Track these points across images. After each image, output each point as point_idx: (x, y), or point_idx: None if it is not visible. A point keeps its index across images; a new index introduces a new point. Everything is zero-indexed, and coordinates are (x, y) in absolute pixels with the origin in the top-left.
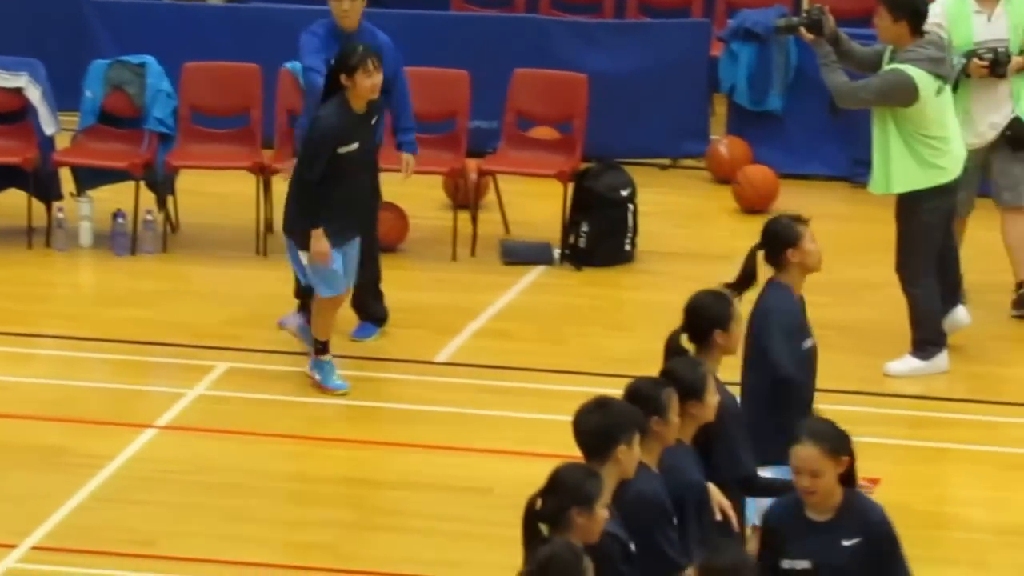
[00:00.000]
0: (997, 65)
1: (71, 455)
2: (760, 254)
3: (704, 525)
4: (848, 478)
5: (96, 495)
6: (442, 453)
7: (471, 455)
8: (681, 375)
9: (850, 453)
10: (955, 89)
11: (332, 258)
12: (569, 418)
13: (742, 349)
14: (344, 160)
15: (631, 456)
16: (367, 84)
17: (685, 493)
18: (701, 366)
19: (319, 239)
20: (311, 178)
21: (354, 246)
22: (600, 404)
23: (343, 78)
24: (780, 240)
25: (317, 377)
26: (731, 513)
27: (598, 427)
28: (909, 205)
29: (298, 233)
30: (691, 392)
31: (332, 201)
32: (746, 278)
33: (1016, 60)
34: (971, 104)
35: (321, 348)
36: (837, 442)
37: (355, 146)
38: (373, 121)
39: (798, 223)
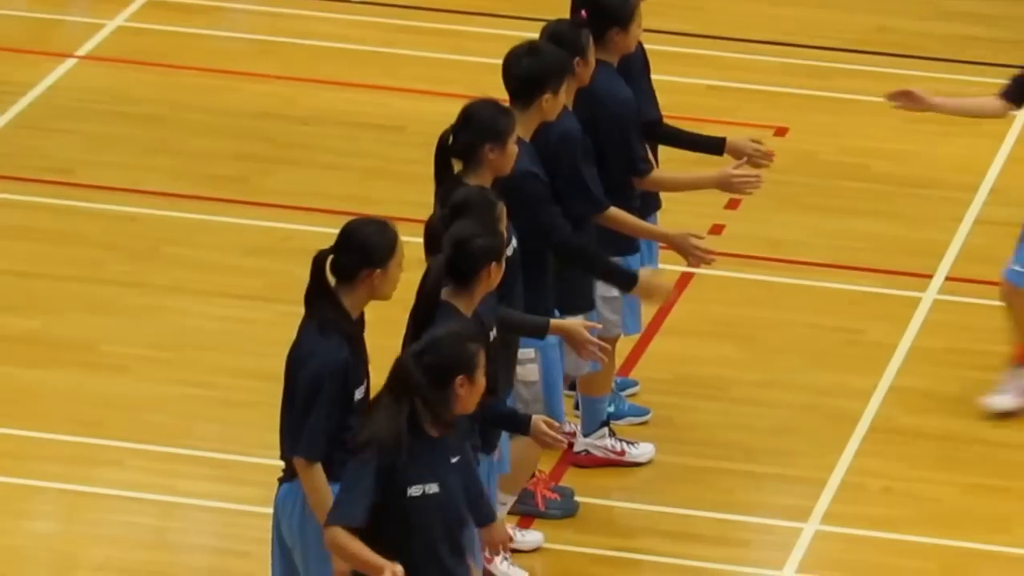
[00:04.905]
0: None
1: None
2: None
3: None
4: None
5: (15, 123)
6: (355, 90)
7: (384, 93)
8: (565, 37)
9: None
10: None
11: None
12: (482, 60)
13: None
14: None
15: (556, 103)
16: None
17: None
18: (583, 31)
19: None
20: None
21: None
22: (532, 49)
23: None
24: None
25: None
26: None
27: (529, 72)
28: None
29: None
30: (578, 52)
31: None
32: None
33: None
34: None
35: None
36: None
37: None
38: None
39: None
